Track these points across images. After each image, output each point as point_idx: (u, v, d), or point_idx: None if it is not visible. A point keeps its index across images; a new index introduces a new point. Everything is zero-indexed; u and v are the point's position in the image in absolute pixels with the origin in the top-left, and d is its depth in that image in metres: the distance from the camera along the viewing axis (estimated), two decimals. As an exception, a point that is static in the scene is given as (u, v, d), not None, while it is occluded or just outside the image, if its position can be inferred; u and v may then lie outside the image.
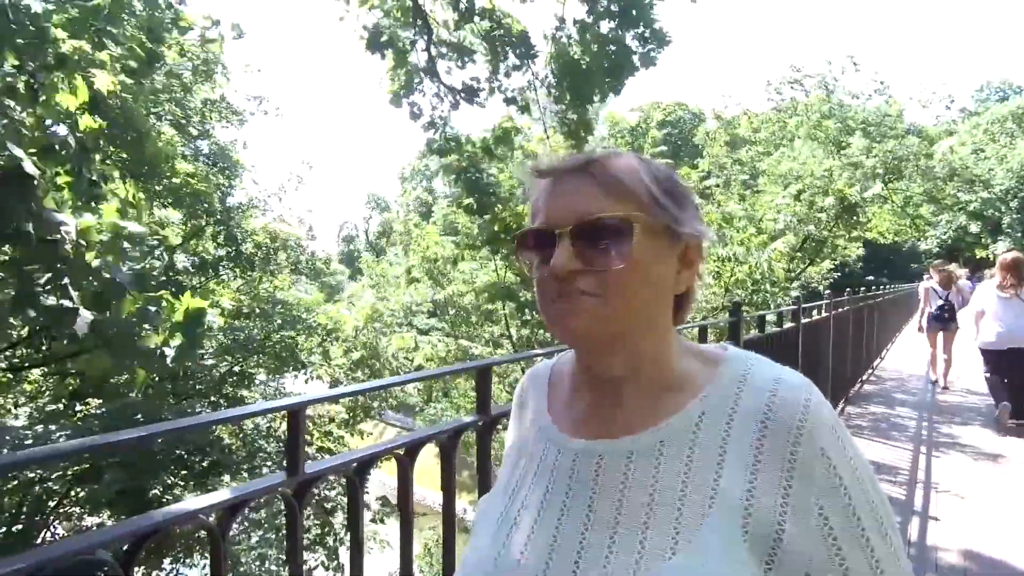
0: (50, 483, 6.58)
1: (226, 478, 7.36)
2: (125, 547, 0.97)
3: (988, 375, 5.23)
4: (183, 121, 9.11)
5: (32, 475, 6.19)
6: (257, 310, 9.59)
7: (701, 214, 0.65)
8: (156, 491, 6.56)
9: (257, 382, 8.96)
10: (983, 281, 5.79)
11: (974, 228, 29.57)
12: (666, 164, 0.67)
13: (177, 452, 6.62)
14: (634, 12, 4.80)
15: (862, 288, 9.32)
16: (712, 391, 0.60)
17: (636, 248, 0.58)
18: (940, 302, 6.73)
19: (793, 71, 16.94)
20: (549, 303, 0.60)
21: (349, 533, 1.35)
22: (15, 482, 6.11)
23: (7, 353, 8.09)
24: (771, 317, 4.84)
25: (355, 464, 1.31)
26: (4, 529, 6.36)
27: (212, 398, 7.84)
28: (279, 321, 9.37)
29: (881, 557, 0.55)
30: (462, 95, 5.85)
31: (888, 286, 13.40)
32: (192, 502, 1.10)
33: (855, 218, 12.41)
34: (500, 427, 1.73)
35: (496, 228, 9.83)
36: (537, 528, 0.60)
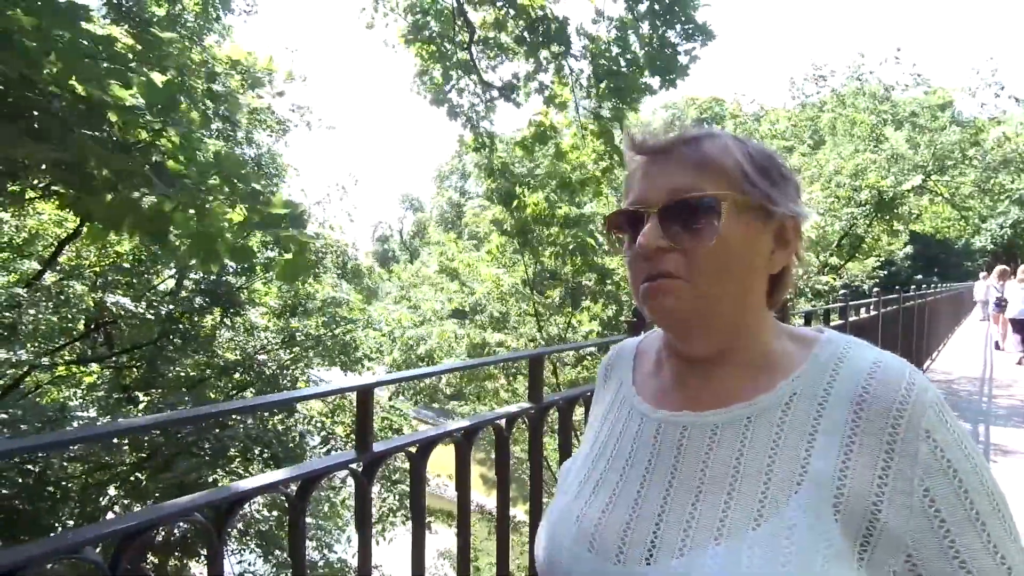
0: (111, 468, 6.94)
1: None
2: (224, 507, 1.06)
3: (1019, 338, 8.66)
4: (229, 129, 9.46)
5: (98, 460, 6.55)
6: (301, 308, 9.88)
7: (802, 194, 0.64)
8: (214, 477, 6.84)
9: (309, 378, 9.26)
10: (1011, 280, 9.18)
11: (1030, 222, 27.98)
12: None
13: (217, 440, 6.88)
14: (676, 8, 4.74)
15: (911, 287, 9.02)
16: (806, 372, 0.59)
17: (724, 226, 0.57)
18: (998, 293, 9.76)
19: (815, 68, 16.45)
20: (639, 283, 0.61)
21: (411, 509, 1.42)
22: (80, 465, 6.49)
23: (68, 348, 8.59)
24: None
25: (418, 445, 1.38)
26: (76, 511, 6.75)
27: (265, 392, 8.14)
28: (326, 319, 9.62)
29: (998, 540, 0.52)
30: (500, 91, 5.90)
31: (938, 285, 12.81)
32: (272, 475, 1.18)
33: (895, 211, 11.99)
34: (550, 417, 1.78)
35: (526, 219, 10.01)
36: (620, 490, 0.62)
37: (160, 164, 2.30)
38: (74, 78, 2.19)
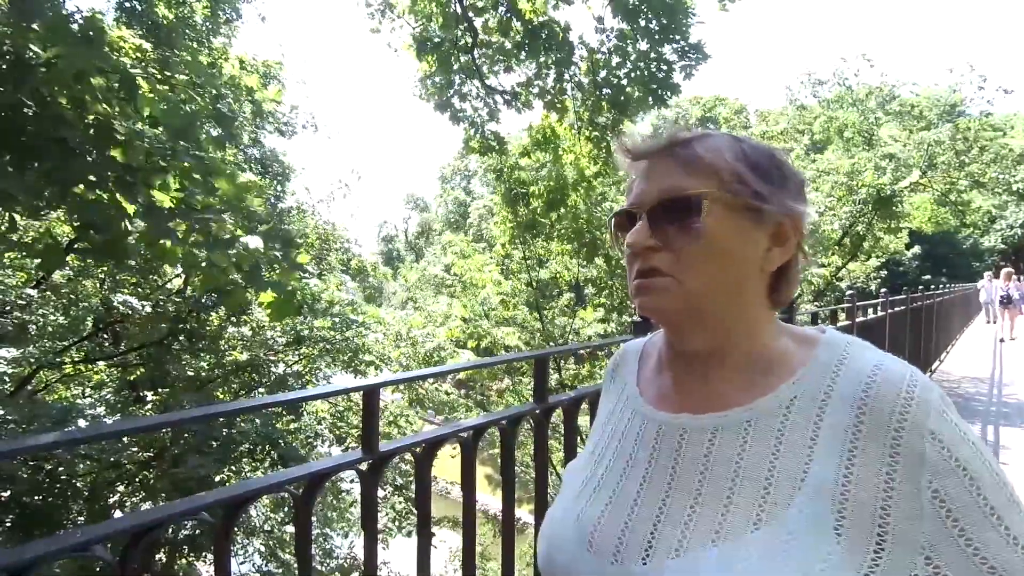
0: (125, 466, 6.98)
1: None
2: (231, 506, 1.07)
3: None
4: (234, 131, 9.50)
5: (109, 457, 6.59)
6: (307, 309, 9.89)
7: (804, 193, 0.63)
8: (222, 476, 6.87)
9: (319, 378, 9.27)
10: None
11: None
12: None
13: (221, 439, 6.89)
14: (672, 27, 4.79)
15: (919, 288, 8.96)
16: (806, 374, 0.58)
17: (710, 224, 0.58)
18: (1003, 292, 11.20)
19: (809, 74, 16.89)
20: (632, 279, 0.62)
21: (417, 510, 1.42)
22: (90, 464, 6.53)
23: (76, 347, 8.65)
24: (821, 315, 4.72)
25: (423, 445, 1.38)
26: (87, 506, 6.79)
27: (274, 393, 8.16)
28: (336, 321, 9.61)
29: (1018, 531, 0.51)
30: (505, 97, 5.92)
31: (947, 286, 12.77)
32: (279, 475, 1.19)
33: (893, 208, 12.04)
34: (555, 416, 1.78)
35: (533, 218, 10.16)
36: (619, 491, 0.63)
37: (153, 206, 2.31)
38: (88, 97, 2.19)
